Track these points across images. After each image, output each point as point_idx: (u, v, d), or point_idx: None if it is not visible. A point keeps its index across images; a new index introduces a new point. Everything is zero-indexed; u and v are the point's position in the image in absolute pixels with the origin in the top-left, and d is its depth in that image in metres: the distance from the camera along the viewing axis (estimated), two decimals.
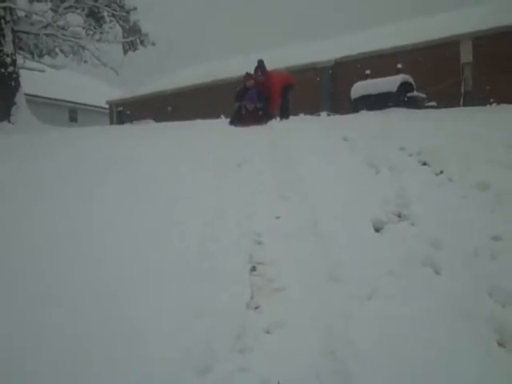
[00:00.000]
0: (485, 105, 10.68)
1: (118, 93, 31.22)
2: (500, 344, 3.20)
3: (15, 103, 12.85)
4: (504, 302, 3.59)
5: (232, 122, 10.55)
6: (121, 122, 19.10)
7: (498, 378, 2.89)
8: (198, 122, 12.60)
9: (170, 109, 21.90)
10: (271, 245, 4.66)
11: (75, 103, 31.63)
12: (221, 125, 10.83)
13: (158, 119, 15.08)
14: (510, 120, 8.10)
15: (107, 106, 29.46)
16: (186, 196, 5.58)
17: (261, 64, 10.92)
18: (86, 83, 33.86)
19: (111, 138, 9.38)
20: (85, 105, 32.28)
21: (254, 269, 4.31)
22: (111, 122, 26.61)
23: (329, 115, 10.95)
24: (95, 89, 33.97)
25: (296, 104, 11.83)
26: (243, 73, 11.04)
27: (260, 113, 10.34)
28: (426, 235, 4.53)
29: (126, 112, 19.88)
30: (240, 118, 10.40)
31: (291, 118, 11.05)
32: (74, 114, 31.75)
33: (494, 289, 3.72)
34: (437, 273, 4.03)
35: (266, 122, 9.88)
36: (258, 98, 10.36)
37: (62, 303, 3.66)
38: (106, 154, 7.33)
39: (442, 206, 5.08)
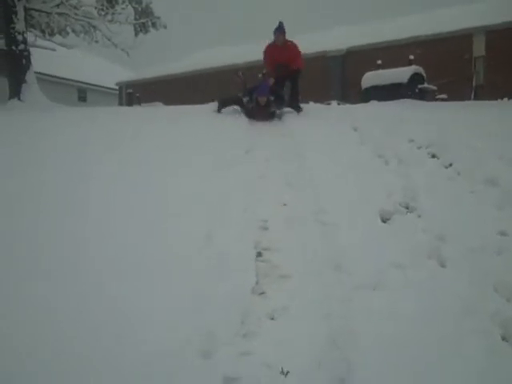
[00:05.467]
0: (496, 99, 10.62)
1: (129, 74, 31.14)
2: (504, 339, 3.21)
3: (25, 81, 12.79)
4: (509, 297, 3.60)
5: (221, 106, 9.62)
6: (130, 103, 19.07)
7: (501, 372, 2.89)
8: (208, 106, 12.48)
9: (180, 92, 21.88)
10: (277, 231, 4.67)
11: (85, 83, 31.51)
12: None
13: (167, 102, 15.03)
14: None
15: (117, 87, 29.42)
16: (193, 181, 5.58)
17: (281, 25, 10.19)
18: (97, 64, 33.74)
19: (119, 120, 9.33)
20: (94, 85, 32.17)
21: (259, 255, 4.31)
22: (120, 104, 26.57)
23: (339, 104, 10.87)
24: (105, 70, 33.84)
25: (306, 92, 11.77)
26: (253, 58, 10.91)
27: (271, 109, 9.24)
28: (432, 228, 4.53)
29: (135, 94, 19.85)
30: (250, 112, 9.25)
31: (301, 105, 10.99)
32: (83, 93, 31.66)
33: (499, 284, 3.72)
34: (442, 266, 4.04)
35: (276, 114, 9.45)
36: (269, 92, 9.24)
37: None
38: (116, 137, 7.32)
39: (450, 200, 5.08)
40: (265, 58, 10.21)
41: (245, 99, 9.29)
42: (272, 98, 9.09)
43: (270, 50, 10.14)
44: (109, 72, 32.87)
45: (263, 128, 8.25)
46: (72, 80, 30.40)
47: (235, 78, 9.66)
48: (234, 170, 5.97)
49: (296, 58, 9.90)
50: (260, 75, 10.22)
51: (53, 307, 3.42)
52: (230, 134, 7.57)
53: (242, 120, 8.87)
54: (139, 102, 18.24)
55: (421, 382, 2.82)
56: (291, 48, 9.98)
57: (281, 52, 9.87)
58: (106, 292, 3.60)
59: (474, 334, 3.19)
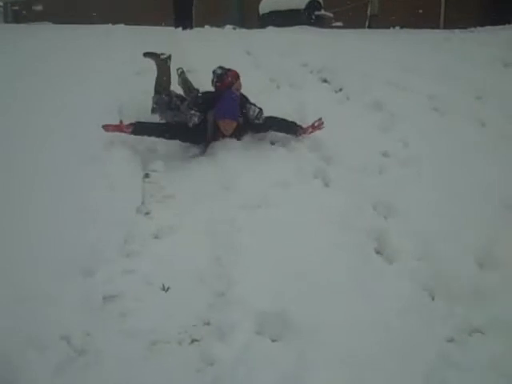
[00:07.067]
0: (389, 28, 10.82)
1: None
2: (377, 252, 3.40)
3: None
4: (386, 214, 3.78)
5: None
6: (17, 21, 17.93)
7: (373, 280, 3.08)
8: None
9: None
10: (165, 153, 4.61)
11: None
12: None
13: (58, 21, 14.22)
14: (410, 43, 8.26)
15: (1, 4, 27.50)
16: (82, 102, 5.33)
17: None
18: None
19: None
20: None
21: (146, 176, 4.25)
22: (6, 21, 24.95)
23: (234, 29, 10.66)
24: None
25: (202, 16, 11.52)
26: None
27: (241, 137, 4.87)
28: (319, 149, 4.63)
29: (22, 12, 18.66)
30: (203, 137, 4.78)
31: (196, 29, 10.65)
32: None
33: (378, 202, 3.89)
34: (326, 185, 4.15)
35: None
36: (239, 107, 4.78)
37: None
38: None
39: (338, 123, 5.14)
40: None
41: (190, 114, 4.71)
42: (241, 120, 4.74)
43: None
44: None
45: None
46: None
47: (161, 66, 5.51)
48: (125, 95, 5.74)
49: None
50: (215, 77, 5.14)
51: None
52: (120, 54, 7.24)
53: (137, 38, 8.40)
54: (27, 20, 17.18)
55: (296, 289, 2.91)
56: None
57: None
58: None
59: (350, 246, 3.34)
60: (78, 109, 4.98)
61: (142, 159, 4.47)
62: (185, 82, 5.78)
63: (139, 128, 4.51)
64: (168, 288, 2.96)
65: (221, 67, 5.10)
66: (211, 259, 3.25)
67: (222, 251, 3.30)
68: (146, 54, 5.65)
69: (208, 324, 2.73)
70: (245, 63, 7.11)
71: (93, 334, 2.58)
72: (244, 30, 9.96)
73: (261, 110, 4.79)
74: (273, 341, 2.61)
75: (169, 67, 5.60)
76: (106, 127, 4.38)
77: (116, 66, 6.58)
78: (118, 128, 4.44)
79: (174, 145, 4.76)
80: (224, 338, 2.59)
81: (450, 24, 10.93)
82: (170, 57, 5.63)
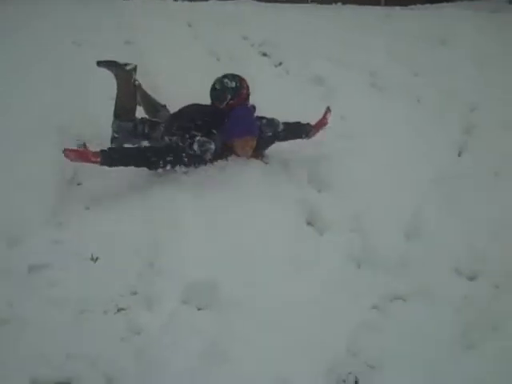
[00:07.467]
0: (331, 4, 10.81)
1: None
2: (309, 223, 3.46)
3: None
4: (320, 187, 3.83)
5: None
6: None
7: (303, 251, 3.13)
8: None
9: None
10: (106, 124, 4.49)
11: None
12: None
13: None
14: (352, 19, 8.24)
15: None
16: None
17: None
18: None
19: None
20: None
21: (84, 146, 4.12)
22: None
23: (176, 0, 10.45)
24: None
25: None
26: None
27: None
28: None
29: None
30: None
31: None
32: None
33: (312, 175, 3.94)
34: (265, 162, 4.15)
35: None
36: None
37: None
38: None
39: (278, 97, 5.16)
40: None
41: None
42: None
43: None
44: None
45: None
46: None
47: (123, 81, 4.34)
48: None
49: None
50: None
51: None
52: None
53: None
54: None
55: (227, 261, 2.94)
56: None
57: None
58: None
59: (284, 219, 3.39)
60: None
61: (78, 126, 4.33)
62: (144, 96, 4.56)
63: (111, 157, 3.44)
64: (97, 258, 2.94)
65: (226, 76, 4.07)
66: (143, 231, 3.22)
67: (154, 223, 3.27)
68: (102, 63, 4.32)
69: (135, 293, 2.72)
70: (185, 35, 7.06)
71: (16, 304, 2.54)
72: (186, 2, 9.75)
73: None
74: (199, 309, 2.63)
75: (134, 82, 4.36)
76: (68, 153, 3.31)
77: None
78: (83, 156, 3.36)
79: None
80: (151, 307, 2.60)
81: (390, 1, 11.00)
82: (135, 68, 4.36)
